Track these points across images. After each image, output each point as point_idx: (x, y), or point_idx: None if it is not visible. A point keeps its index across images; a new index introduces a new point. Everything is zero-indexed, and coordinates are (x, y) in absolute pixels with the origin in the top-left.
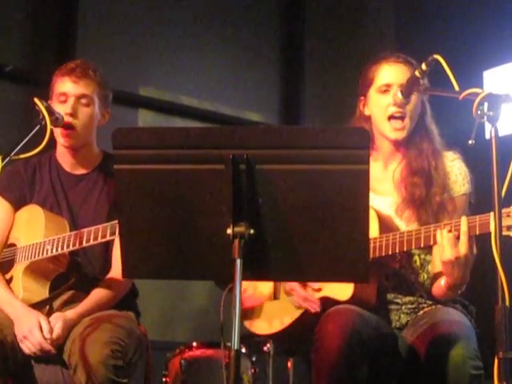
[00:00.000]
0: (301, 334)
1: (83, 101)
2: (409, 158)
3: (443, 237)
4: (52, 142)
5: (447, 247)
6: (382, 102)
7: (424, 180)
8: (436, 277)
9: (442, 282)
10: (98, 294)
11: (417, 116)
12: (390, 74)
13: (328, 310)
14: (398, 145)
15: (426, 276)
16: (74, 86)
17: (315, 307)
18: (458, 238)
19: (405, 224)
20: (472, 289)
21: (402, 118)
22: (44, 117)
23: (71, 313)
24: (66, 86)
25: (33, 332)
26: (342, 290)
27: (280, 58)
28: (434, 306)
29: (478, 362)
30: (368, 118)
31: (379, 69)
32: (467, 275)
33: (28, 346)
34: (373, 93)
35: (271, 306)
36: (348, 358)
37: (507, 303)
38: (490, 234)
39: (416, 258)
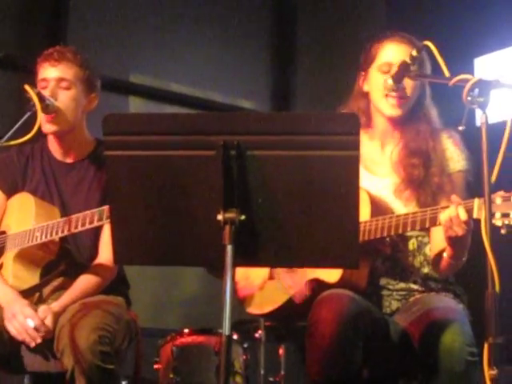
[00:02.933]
0: (294, 315)
1: (63, 84)
2: (406, 138)
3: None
4: (44, 132)
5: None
6: (382, 80)
7: (422, 161)
8: (439, 255)
9: (445, 254)
10: (83, 282)
11: (415, 97)
12: (392, 52)
13: (321, 295)
14: (394, 123)
15: (422, 258)
16: (53, 69)
17: (298, 297)
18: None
19: (403, 204)
20: (463, 275)
21: (399, 97)
22: (35, 103)
23: (56, 305)
24: (46, 72)
25: (24, 311)
26: (330, 273)
27: (271, 45)
28: (425, 294)
29: (473, 348)
30: (366, 94)
31: (382, 46)
32: (468, 244)
33: (16, 326)
34: (374, 70)
35: (266, 287)
36: (342, 344)
37: (497, 289)
38: (477, 220)
39: (413, 240)
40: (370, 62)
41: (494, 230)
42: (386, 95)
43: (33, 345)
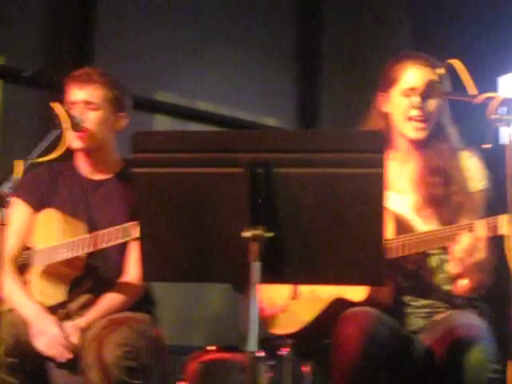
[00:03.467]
0: (319, 334)
1: (91, 106)
2: (426, 157)
3: (461, 244)
4: (73, 149)
5: (464, 253)
6: (405, 104)
7: (443, 179)
8: (457, 276)
9: (465, 282)
10: (108, 300)
11: (437, 118)
12: (415, 76)
13: (345, 312)
14: (416, 144)
15: (442, 276)
16: (80, 92)
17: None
18: (473, 242)
19: (424, 222)
20: (488, 292)
21: (422, 120)
22: (63, 121)
23: (82, 322)
24: (73, 94)
25: (51, 327)
26: (356, 291)
27: (296, 61)
28: (450, 310)
29: (496, 365)
30: (385, 115)
31: (404, 69)
32: (489, 278)
33: (44, 342)
34: (396, 93)
35: (290, 308)
36: (367, 361)
37: None
38: (500, 237)
39: (433, 258)
40: (391, 83)
41: None
42: (410, 118)
43: (62, 360)
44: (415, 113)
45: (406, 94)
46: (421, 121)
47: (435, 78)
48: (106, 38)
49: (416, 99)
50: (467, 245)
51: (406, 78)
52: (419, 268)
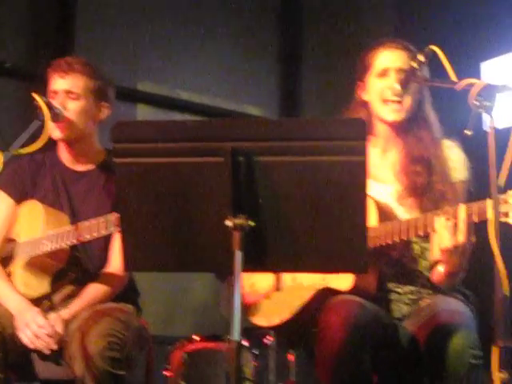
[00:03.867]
0: (303, 326)
1: (72, 95)
2: (408, 146)
3: (441, 225)
4: (53, 139)
5: (445, 235)
6: (380, 86)
7: (425, 168)
8: (435, 264)
9: (441, 268)
10: (92, 291)
11: (415, 102)
12: (388, 58)
13: (330, 301)
14: (395, 129)
15: (425, 263)
16: (61, 81)
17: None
18: (456, 225)
19: (406, 211)
20: (472, 278)
21: (399, 102)
22: (43, 112)
23: (66, 313)
24: (55, 83)
25: (36, 319)
26: (342, 280)
27: (278, 51)
28: (434, 296)
29: (477, 351)
30: (365, 104)
31: (377, 54)
32: (465, 264)
33: (28, 335)
34: (371, 78)
35: (273, 297)
36: (351, 349)
37: (505, 292)
38: (487, 221)
39: (415, 245)
40: (366, 70)
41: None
42: (386, 100)
43: (47, 352)
44: (390, 94)
45: (380, 76)
46: (397, 102)
47: (415, 64)
48: (88, 29)
49: (390, 79)
50: (449, 227)
51: (378, 61)
52: (402, 255)
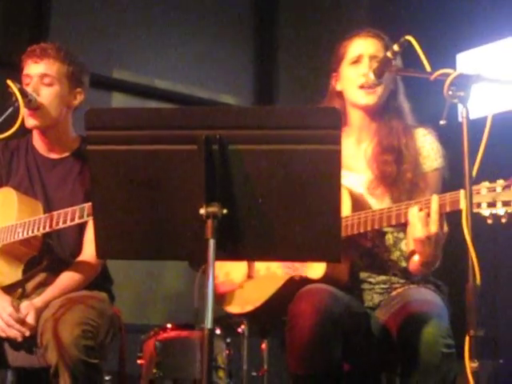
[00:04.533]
0: (275, 313)
1: (45, 80)
2: (380, 135)
3: (414, 215)
4: (27, 127)
5: (418, 226)
6: (353, 73)
7: (395, 157)
8: (411, 254)
9: (416, 258)
10: (65, 279)
11: (388, 91)
12: (360, 46)
13: (300, 290)
14: (370, 115)
15: (398, 253)
16: (35, 65)
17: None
18: (428, 215)
19: (377, 201)
20: (444, 268)
21: (371, 86)
22: (17, 99)
23: (39, 301)
24: (29, 68)
25: (5, 308)
26: (314, 269)
27: (253, 40)
28: (406, 286)
29: (449, 340)
30: (340, 94)
31: (351, 43)
32: (439, 253)
33: None
34: (345, 66)
35: (246, 286)
36: (321, 337)
37: (478, 282)
38: (460, 212)
39: (389, 235)
40: (339, 60)
41: (479, 221)
42: (359, 86)
43: (20, 339)
44: (364, 80)
45: (353, 63)
46: (370, 87)
47: (389, 54)
48: (63, 16)
49: (363, 66)
50: (421, 217)
51: (352, 49)
52: (375, 245)
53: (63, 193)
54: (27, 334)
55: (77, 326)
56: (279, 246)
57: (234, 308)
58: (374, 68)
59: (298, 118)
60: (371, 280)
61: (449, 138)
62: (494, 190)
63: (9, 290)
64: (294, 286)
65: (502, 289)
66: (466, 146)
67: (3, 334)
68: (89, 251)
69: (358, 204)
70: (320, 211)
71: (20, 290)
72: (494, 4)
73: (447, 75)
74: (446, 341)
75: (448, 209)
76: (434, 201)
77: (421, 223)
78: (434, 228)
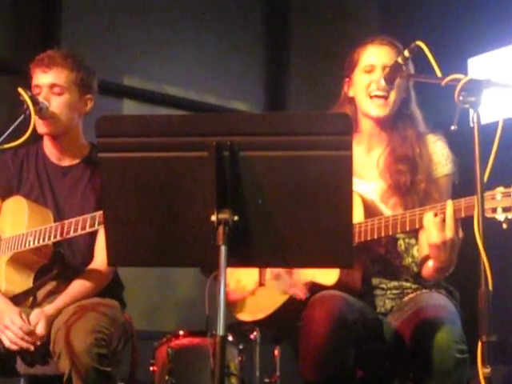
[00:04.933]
0: (288, 320)
1: (55, 90)
2: (393, 144)
3: (429, 221)
4: (38, 134)
5: (434, 231)
6: (366, 81)
7: (409, 167)
8: (425, 259)
9: (430, 263)
10: (77, 286)
11: (400, 98)
12: (374, 55)
13: (314, 296)
14: (380, 125)
15: (410, 260)
16: (44, 75)
17: (301, 294)
18: (444, 221)
19: (390, 211)
20: (456, 273)
21: (384, 97)
22: (28, 107)
23: (51, 309)
24: (38, 78)
25: (14, 321)
26: (327, 276)
27: (265, 46)
28: (418, 292)
29: (463, 345)
30: (352, 100)
31: (364, 50)
32: (454, 258)
33: (9, 336)
34: (357, 74)
35: (258, 293)
36: (334, 344)
37: (490, 287)
38: (463, 220)
39: (401, 242)
40: (353, 66)
41: (489, 226)
42: (371, 96)
43: (31, 349)
44: (375, 88)
45: (366, 72)
46: (382, 97)
47: (400, 60)
48: (73, 23)
49: (376, 75)
50: (437, 223)
51: (365, 57)
52: (388, 251)
53: (74, 200)
54: (38, 343)
55: (89, 334)
56: (291, 252)
57: (245, 316)
58: (385, 74)
59: (309, 123)
60: (383, 286)
61: (460, 144)
62: (509, 195)
63: (20, 298)
64: (308, 292)
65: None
66: (477, 151)
67: (15, 347)
68: (100, 259)
69: (370, 210)
70: (332, 217)
71: (31, 299)
72: (505, 9)
73: (458, 80)
74: (459, 346)
75: (463, 214)
76: (449, 206)
77: (436, 228)
78: (449, 233)
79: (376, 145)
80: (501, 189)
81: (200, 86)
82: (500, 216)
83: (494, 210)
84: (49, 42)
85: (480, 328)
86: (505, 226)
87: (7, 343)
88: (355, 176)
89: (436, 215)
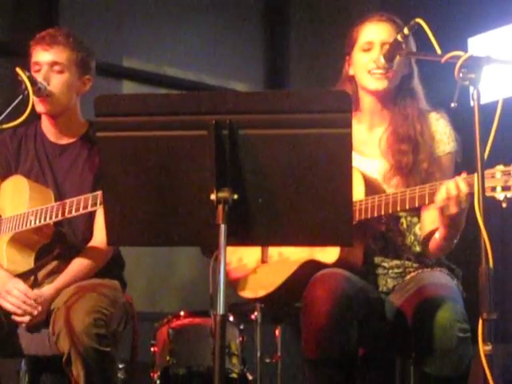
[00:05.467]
0: (289, 298)
1: (56, 68)
2: (395, 123)
3: (449, 191)
4: (37, 112)
5: (451, 203)
6: (365, 59)
7: (411, 147)
8: (428, 237)
9: (437, 235)
10: (77, 265)
11: (401, 73)
12: (372, 31)
13: (316, 275)
14: (381, 100)
15: (412, 238)
16: (45, 53)
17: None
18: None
19: (393, 191)
20: (456, 251)
21: (382, 72)
22: (27, 87)
23: (51, 288)
24: (38, 55)
25: (17, 284)
26: (328, 253)
27: (263, 25)
28: (420, 270)
29: (465, 324)
30: (352, 78)
31: (363, 28)
32: (464, 222)
33: (12, 301)
34: (356, 51)
35: (260, 271)
36: (337, 322)
37: (490, 265)
38: (473, 194)
39: (403, 220)
40: (352, 44)
41: (490, 204)
42: (370, 72)
43: (35, 313)
44: (374, 66)
45: (364, 49)
46: (380, 72)
47: (399, 38)
48: (73, 5)
49: (375, 52)
50: (451, 194)
51: (363, 35)
52: (389, 229)
53: (73, 178)
54: (39, 308)
55: (88, 315)
56: (291, 230)
57: (247, 293)
58: (384, 52)
59: (308, 101)
60: (385, 265)
61: (460, 122)
62: (509, 174)
63: (21, 278)
64: (308, 270)
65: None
66: (477, 129)
67: (19, 311)
68: (99, 237)
69: (372, 188)
70: (331, 195)
71: (32, 279)
72: None
73: (458, 58)
74: (461, 325)
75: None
76: (461, 182)
77: (453, 201)
78: (464, 204)
79: (378, 123)
80: (501, 167)
81: (199, 66)
82: (499, 195)
83: (494, 189)
84: (48, 23)
85: (481, 305)
86: (504, 204)
87: (10, 307)
88: (357, 152)
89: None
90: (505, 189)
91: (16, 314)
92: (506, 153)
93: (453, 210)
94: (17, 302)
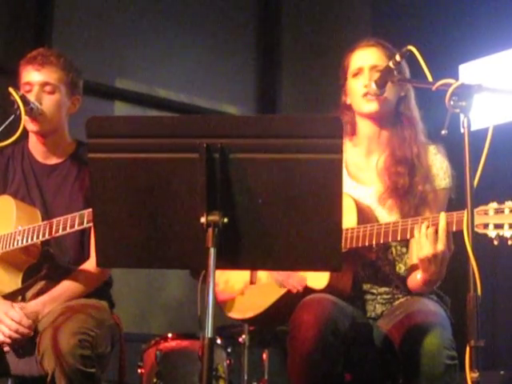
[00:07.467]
0: (276, 320)
1: (47, 88)
2: (392, 146)
3: (422, 233)
4: (27, 133)
5: (425, 243)
6: (356, 84)
7: (407, 169)
8: (412, 269)
9: (418, 276)
10: (66, 285)
11: (395, 97)
12: (361, 57)
13: (303, 299)
14: (377, 123)
15: (402, 267)
16: (37, 73)
17: (297, 287)
18: (435, 233)
19: (387, 213)
20: (446, 280)
21: (373, 94)
22: (19, 106)
23: (33, 305)
24: (30, 75)
25: (8, 313)
26: (317, 279)
27: (256, 49)
28: (409, 297)
29: (452, 352)
30: (350, 107)
31: (352, 55)
32: (443, 271)
33: (2, 330)
34: (349, 79)
35: (248, 292)
36: (323, 348)
37: (479, 292)
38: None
39: (393, 249)
40: (345, 73)
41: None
42: (363, 95)
43: (28, 334)
44: (365, 90)
45: (354, 75)
46: (372, 94)
47: (391, 64)
48: (65, 25)
49: (365, 77)
50: (429, 235)
51: (353, 61)
52: (378, 258)
53: (61, 199)
54: (31, 333)
55: (74, 336)
56: (280, 255)
57: (235, 313)
58: (376, 78)
59: (299, 126)
60: (373, 291)
61: (451, 149)
62: (502, 212)
63: (8, 298)
64: (297, 295)
65: (502, 300)
66: (467, 156)
67: (8, 340)
68: (94, 260)
69: (364, 216)
70: (321, 220)
71: (20, 298)
72: (497, 15)
73: (449, 85)
74: (449, 352)
75: (454, 228)
76: (442, 218)
77: (429, 241)
78: (441, 246)
79: (375, 148)
80: (494, 204)
81: (191, 88)
82: (491, 232)
83: (486, 226)
84: (41, 43)
85: (468, 332)
86: (496, 242)
87: (1, 338)
88: (353, 179)
89: (428, 227)
90: (497, 227)
91: (5, 343)
92: (496, 179)
93: (425, 250)
94: (7, 332)
